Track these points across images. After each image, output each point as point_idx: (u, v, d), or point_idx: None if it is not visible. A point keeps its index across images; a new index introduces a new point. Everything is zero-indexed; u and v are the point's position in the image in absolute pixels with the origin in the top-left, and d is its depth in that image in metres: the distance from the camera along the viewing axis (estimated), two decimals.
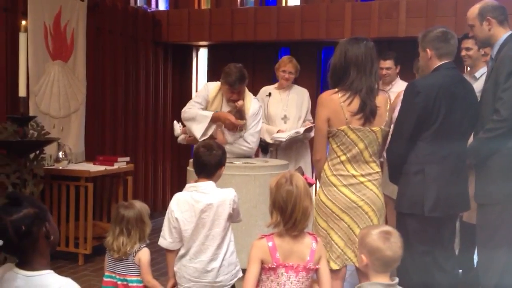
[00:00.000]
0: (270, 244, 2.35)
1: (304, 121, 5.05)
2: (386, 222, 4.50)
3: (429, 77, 3.15)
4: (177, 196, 2.88)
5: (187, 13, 6.42)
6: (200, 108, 4.35)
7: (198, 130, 4.26)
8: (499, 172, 3.01)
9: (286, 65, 4.97)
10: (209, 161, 2.84)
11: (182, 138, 4.67)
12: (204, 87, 4.54)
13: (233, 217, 2.88)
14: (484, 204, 3.09)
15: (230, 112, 4.31)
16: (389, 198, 4.16)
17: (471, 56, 4.12)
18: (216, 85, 4.42)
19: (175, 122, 4.79)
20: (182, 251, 2.87)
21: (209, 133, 4.27)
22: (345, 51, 2.96)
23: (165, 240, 2.87)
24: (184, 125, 4.62)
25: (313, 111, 3.57)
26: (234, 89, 4.23)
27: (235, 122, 4.21)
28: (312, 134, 4.82)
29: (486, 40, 3.18)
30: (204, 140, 4.11)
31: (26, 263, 1.82)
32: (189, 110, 4.34)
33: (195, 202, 2.80)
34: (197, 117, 4.27)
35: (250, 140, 4.36)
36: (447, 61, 3.10)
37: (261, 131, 4.82)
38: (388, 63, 4.85)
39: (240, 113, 4.30)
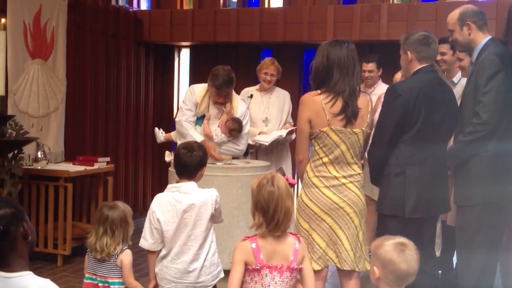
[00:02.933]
0: (253, 245, 2.36)
1: (284, 123, 5.06)
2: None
3: (409, 80, 3.19)
4: (158, 197, 2.87)
5: (169, 13, 6.39)
6: (192, 115, 4.39)
7: None
8: (478, 174, 3.05)
9: (268, 67, 4.96)
10: (190, 162, 2.83)
11: (168, 154, 4.65)
12: (189, 91, 4.54)
13: (215, 218, 2.87)
14: (463, 206, 3.12)
15: (218, 114, 4.36)
16: (369, 199, 4.20)
17: (446, 60, 4.17)
18: (202, 87, 4.43)
19: (156, 129, 4.77)
20: (163, 252, 2.85)
21: None
22: (327, 53, 2.98)
23: (146, 241, 2.85)
24: (166, 131, 4.64)
25: (295, 112, 3.58)
26: (221, 93, 4.24)
27: (218, 157, 4.22)
28: (294, 136, 4.86)
29: (466, 45, 3.22)
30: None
31: (4, 265, 1.79)
32: (185, 124, 4.35)
33: (177, 203, 2.79)
34: (187, 138, 4.28)
35: (240, 143, 4.41)
36: (427, 64, 3.14)
37: None
38: (371, 66, 4.89)
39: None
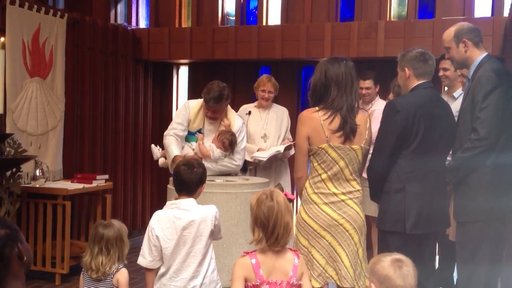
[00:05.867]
0: (253, 261, 2.35)
1: (283, 140, 5.06)
2: (370, 241, 4.52)
3: (407, 96, 3.20)
4: (157, 214, 2.86)
5: (167, 31, 6.43)
6: (182, 130, 4.41)
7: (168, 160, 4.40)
8: (478, 189, 3.04)
9: (266, 85, 4.97)
10: (190, 179, 2.83)
11: (163, 162, 4.66)
12: (184, 105, 4.56)
13: (214, 234, 2.86)
14: (463, 222, 3.11)
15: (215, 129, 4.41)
16: (372, 219, 4.19)
17: (448, 76, 4.20)
18: (197, 102, 4.47)
19: (152, 145, 4.79)
20: (162, 270, 2.83)
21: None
22: (325, 70, 3.00)
23: (145, 259, 2.83)
24: (163, 148, 4.66)
25: (294, 129, 3.59)
26: (209, 107, 4.28)
27: (203, 154, 4.32)
28: (292, 152, 4.86)
29: (462, 62, 3.23)
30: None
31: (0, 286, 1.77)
32: (169, 137, 4.40)
33: (176, 219, 2.78)
34: (168, 151, 4.38)
35: (236, 158, 4.42)
36: (424, 80, 3.16)
37: None
38: (368, 83, 4.91)
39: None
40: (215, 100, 4.25)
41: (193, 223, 2.77)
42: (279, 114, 5.08)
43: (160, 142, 4.79)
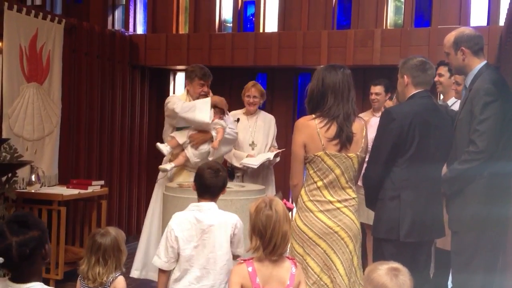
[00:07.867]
0: (250, 269, 2.35)
1: (270, 147, 5.07)
2: (365, 249, 4.52)
3: (404, 105, 3.21)
4: (177, 215, 2.84)
5: (165, 37, 6.45)
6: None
7: (204, 116, 4.35)
8: (473, 198, 3.02)
9: (250, 90, 4.99)
10: (215, 183, 2.83)
11: (171, 166, 4.54)
12: (175, 96, 4.79)
13: (233, 244, 2.83)
14: (458, 231, 3.11)
15: None
16: (367, 226, 4.18)
17: (442, 82, 4.21)
18: (180, 94, 4.72)
19: (157, 144, 4.73)
20: (176, 274, 2.80)
21: (212, 116, 4.43)
22: (322, 78, 3.00)
23: (160, 259, 2.81)
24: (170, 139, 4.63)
25: (289, 136, 3.60)
26: (205, 81, 4.51)
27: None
28: (278, 159, 4.91)
29: (460, 69, 3.21)
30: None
31: (20, 281, 1.91)
32: (183, 103, 4.43)
33: (197, 222, 2.77)
34: (197, 105, 4.40)
35: (234, 126, 4.67)
36: (422, 89, 3.16)
37: (229, 156, 4.89)
38: (378, 89, 4.92)
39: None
40: (210, 74, 4.55)
41: (213, 227, 2.76)
42: (267, 122, 5.09)
43: (155, 150, 4.76)
